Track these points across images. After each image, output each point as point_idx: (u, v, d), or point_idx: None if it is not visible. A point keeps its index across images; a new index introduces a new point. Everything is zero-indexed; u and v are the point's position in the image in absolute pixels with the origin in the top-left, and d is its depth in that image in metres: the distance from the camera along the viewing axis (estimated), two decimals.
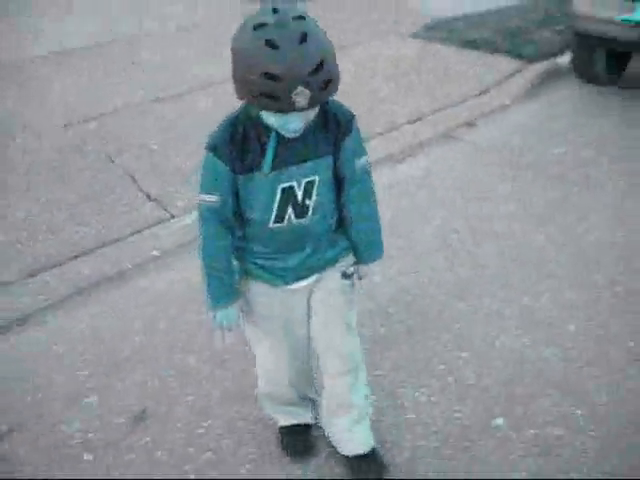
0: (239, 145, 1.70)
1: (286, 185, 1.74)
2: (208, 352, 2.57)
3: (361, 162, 1.84)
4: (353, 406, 2.07)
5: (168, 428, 2.26)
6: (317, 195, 1.79)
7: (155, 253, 3.15)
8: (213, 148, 1.71)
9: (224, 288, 1.86)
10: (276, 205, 1.76)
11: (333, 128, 1.76)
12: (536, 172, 4.02)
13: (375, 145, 4.32)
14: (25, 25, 6.86)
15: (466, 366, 2.52)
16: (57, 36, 6.35)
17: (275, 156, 1.70)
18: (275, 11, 1.51)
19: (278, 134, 1.67)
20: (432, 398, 2.38)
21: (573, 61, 5.56)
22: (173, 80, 5.20)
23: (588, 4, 4.95)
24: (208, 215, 1.78)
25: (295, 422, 2.25)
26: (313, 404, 2.25)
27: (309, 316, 1.98)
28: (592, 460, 2.13)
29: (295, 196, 1.76)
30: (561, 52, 5.95)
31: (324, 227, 1.87)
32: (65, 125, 4.37)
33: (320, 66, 1.50)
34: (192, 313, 2.77)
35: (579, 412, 2.31)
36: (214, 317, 1.88)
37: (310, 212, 1.81)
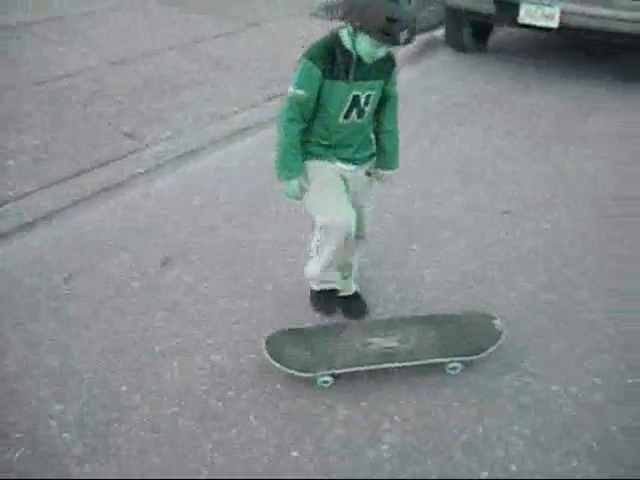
0: (330, 59, 2.39)
1: (356, 93, 2.46)
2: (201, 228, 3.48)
3: (397, 89, 2.63)
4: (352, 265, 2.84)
5: None
6: (371, 104, 2.53)
7: (140, 170, 4.05)
8: (311, 57, 2.40)
9: (296, 163, 2.53)
10: (347, 105, 2.47)
11: (388, 64, 2.50)
12: (419, 113, 5.15)
13: None
14: None
15: None
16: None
17: (354, 72, 2.43)
18: None
19: (358, 58, 2.39)
20: None
21: (445, 33, 6.80)
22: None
23: None
24: (295, 105, 2.43)
25: (326, 287, 2.88)
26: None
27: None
28: None
29: (359, 102, 2.48)
30: (436, 27, 7.16)
31: (369, 129, 2.62)
32: (39, 83, 5.08)
33: (415, 20, 2.30)
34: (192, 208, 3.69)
35: None
36: (288, 185, 2.55)
37: (365, 115, 2.54)
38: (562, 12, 5.61)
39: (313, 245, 2.76)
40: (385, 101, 2.62)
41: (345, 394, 2.48)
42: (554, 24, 5.70)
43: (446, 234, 3.58)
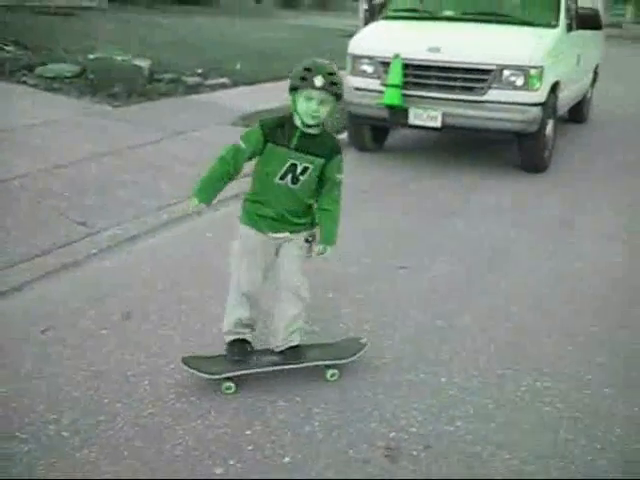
0: (278, 129, 2.90)
1: (294, 162, 2.92)
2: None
3: (339, 177, 3.05)
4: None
5: None
6: (307, 176, 2.96)
7: (94, 251, 4.73)
8: (261, 124, 2.92)
9: (206, 193, 2.97)
10: (284, 169, 2.92)
11: (330, 147, 2.98)
12: None
13: None
14: None
15: None
16: None
17: (295, 143, 2.93)
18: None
19: (302, 132, 2.90)
20: None
21: (349, 136, 7.90)
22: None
23: (354, 95, 7.27)
24: (232, 151, 2.93)
25: (240, 337, 3.24)
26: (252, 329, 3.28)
27: (276, 258, 3.12)
28: None
29: (295, 170, 2.93)
30: (340, 132, 8.26)
31: (305, 199, 3.02)
32: None
33: (334, 74, 2.83)
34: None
35: None
36: (194, 200, 2.98)
37: (299, 184, 2.96)
38: (443, 114, 6.76)
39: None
40: (324, 183, 3.06)
41: (269, 392, 3.18)
42: (438, 124, 6.83)
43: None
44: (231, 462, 2.74)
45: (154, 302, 4.07)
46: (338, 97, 2.91)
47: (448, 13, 7.48)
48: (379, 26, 7.71)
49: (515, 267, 4.78)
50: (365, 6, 12.52)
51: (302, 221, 3.10)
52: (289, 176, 2.97)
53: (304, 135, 2.93)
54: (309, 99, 2.84)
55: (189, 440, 2.85)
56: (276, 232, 3.08)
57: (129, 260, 4.71)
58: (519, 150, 7.11)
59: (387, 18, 7.79)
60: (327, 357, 3.32)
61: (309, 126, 2.91)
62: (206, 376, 3.17)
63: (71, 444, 2.80)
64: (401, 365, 3.45)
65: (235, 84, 10.26)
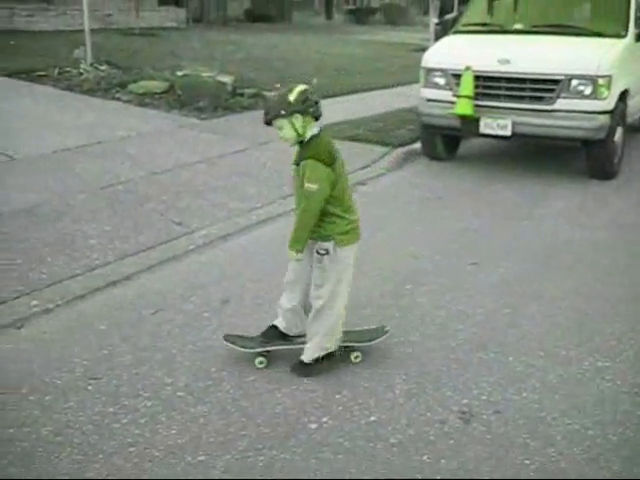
0: None
1: (293, 174, 3.46)
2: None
3: (309, 185, 3.25)
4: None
5: None
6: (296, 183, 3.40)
7: (191, 247, 5.27)
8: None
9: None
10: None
11: (302, 155, 3.32)
12: (407, 204, 6.47)
13: None
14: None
15: None
16: None
17: (295, 156, 3.42)
18: None
19: (300, 144, 3.39)
20: None
21: (422, 145, 8.28)
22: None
23: (427, 106, 7.67)
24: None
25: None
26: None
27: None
28: None
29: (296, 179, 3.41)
30: (413, 142, 8.65)
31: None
32: (102, 188, 6.38)
33: (267, 107, 3.36)
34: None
35: None
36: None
37: (297, 191, 3.40)
38: (513, 123, 7.07)
39: None
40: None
41: (354, 364, 3.59)
42: (508, 133, 7.15)
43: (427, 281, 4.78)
44: (324, 419, 3.17)
45: (248, 290, 4.55)
46: (284, 115, 3.28)
47: (518, 26, 7.79)
48: (451, 40, 8.08)
49: (579, 263, 5.06)
50: (436, 20, 12.88)
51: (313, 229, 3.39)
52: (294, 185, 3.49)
53: (300, 148, 3.40)
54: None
55: (287, 401, 3.30)
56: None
57: (223, 256, 5.21)
58: (587, 157, 7.34)
59: (458, 32, 8.16)
60: (347, 340, 3.64)
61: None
62: (241, 350, 3.62)
63: (186, 402, 3.29)
64: (472, 345, 3.82)
65: None
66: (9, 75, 11.69)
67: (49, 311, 4.17)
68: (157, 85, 10.48)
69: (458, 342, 3.86)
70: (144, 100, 10.07)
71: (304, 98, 3.30)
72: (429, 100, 7.60)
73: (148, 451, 2.93)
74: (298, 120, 3.30)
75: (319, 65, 15.24)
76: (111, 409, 3.22)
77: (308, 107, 3.31)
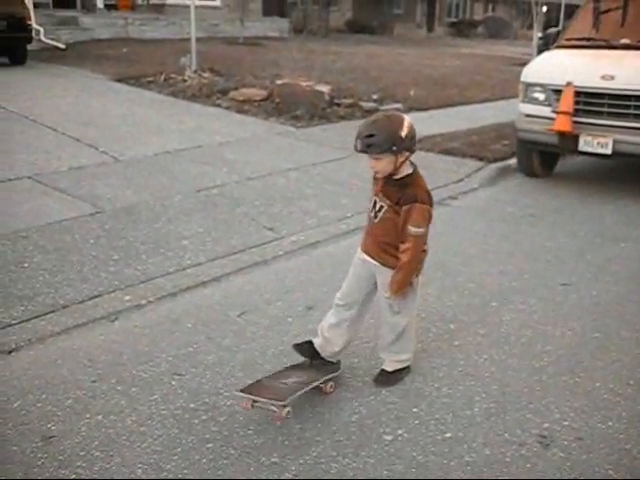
0: None
1: (375, 199, 3.35)
2: None
3: (414, 229, 3.22)
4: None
5: None
6: (382, 213, 3.31)
7: (280, 252, 5.36)
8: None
9: None
10: (371, 206, 3.38)
11: (401, 195, 3.22)
12: (498, 220, 6.36)
13: None
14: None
15: None
16: None
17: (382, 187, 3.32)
18: None
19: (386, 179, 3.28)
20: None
21: (517, 161, 8.12)
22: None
23: (525, 121, 7.52)
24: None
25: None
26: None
27: None
28: None
29: (375, 206, 3.35)
30: (509, 157, 8.49)
31: (380, 236, 3.38)
32: (198, 190, 6.60)
33: (370, 136, 3.11)
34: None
35: None
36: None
37: (377, 220, 3.34)
38: (615, 141, 6.83)
39: None
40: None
41: (434, 380, 3.56)
42: (608, 151, 6.91)
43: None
44: (399, 432, 3.16)
45: (333, 297, 4.58)
46: (394, 152, 3.13)
47: (625, 41, 7.52)
48: (552, 55, 7.89)
49: None
50: (540, 34, 12.62)
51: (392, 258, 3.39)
52: (372, 212, 3.38)
53: (387, 182, 3.28)
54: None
55: (363, 411, 3.31)
56: None
57: (310, 262, 5.28)
58: None
59: (560, 47, 7.95)
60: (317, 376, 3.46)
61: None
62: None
63: (106, 409, 3.28)
64: (557, 368, 3.71)
65: (409, 109, 10.75)
66: (120, 80, 12.28)
67: (141, 307, 4.34)
68: (257, 93, 10.74)
69: (543, 364, 3.76)
70: (243, 107, 10.34)
71: (413, 134, 3.17)
72: (527, 115, 7.45)
73: (224, 449, 3.00)
74: (403, 157, 3.19)
75: (417, 77, 15.19)
76: (192, 405, 3.32)
77: (414, 144, 3.20)
